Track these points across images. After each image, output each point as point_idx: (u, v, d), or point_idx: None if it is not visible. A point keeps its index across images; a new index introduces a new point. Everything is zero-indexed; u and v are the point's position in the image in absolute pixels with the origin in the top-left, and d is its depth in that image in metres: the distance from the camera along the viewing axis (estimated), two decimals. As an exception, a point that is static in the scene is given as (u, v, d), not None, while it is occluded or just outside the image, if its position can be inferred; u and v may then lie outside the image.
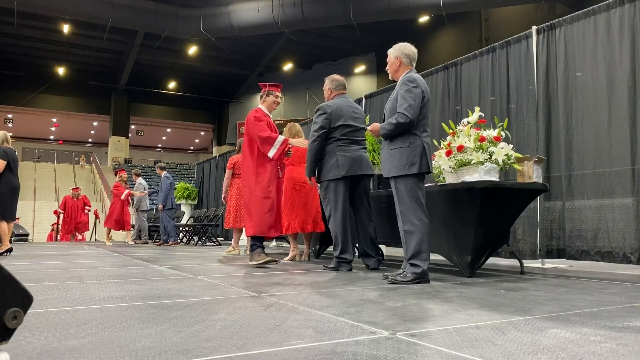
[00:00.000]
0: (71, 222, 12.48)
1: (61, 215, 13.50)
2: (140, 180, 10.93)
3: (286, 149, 4.64)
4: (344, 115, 4.24)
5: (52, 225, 15.77)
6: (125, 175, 11.04)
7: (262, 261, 4.38)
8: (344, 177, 4.13)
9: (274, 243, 9.63)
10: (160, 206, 9.74)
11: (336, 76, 4.57)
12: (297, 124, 5.60)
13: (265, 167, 4.63)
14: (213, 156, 15.83)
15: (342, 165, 4.12)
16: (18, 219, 17.16)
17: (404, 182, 3.32)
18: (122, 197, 10.57)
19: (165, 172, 10.05)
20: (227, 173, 6.63)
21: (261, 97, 4.90)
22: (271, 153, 4.56)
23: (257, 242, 4.54)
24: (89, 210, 12.85)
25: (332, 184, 4.17)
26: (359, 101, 7.64)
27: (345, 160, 4.14)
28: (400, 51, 3.53)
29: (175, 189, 11.56)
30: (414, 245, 3.27)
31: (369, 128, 3.60)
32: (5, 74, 26.53)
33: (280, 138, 4.58)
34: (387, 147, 3.45)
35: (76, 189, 13.22)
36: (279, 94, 4.93)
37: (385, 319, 1.99)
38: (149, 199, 11.29)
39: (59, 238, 15.38)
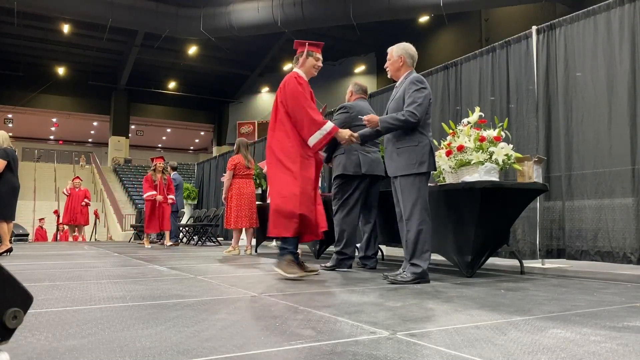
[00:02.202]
0: (73, 211, 12.35)
1: (61, 215, 13.46)
2: None
3: (329, 141, 3.61)
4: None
5: (58, 224, 15.75)
6: (161, 165, 9.05)
7: (297, 275, 3.42)
8: (364, 175, 4.18)
9: (274, 243, 9.63)
10: None
11: (359, 82, 4.78)
12: None
13: (309, 150, 3.62)
14: (213, 156, 15.83)
15: (363, 163, 4.21)
16: (43, 219, 17.19)
17: (412, 181, 3.33)
18: (145, 196, 9.05)
19: (175, 172, 9.92)
20: (228, 174, 6.62)
21: (296, 59, 3.83)
22: (313, 140, 3.53)
23: (289, 246, 3.52)
24: (88, 204, 12.70)
25: (349, 180, 4.20)
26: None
27: (367, 159, 4.23)
28: (405, 51, 3.53)
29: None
30: (415, 245, 3.27)
31: (365, 118, 3.49)
32: (5, 74, 26.52)
33: (329, 125, 3.58)
34: (393, 146, 3.44)
35: (76, 178, 13.08)
36: (320, 56, 3.87)
37: (385, 319, 1.99)
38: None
39: (59, 237, 15.39)
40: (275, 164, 3.60)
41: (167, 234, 9.09)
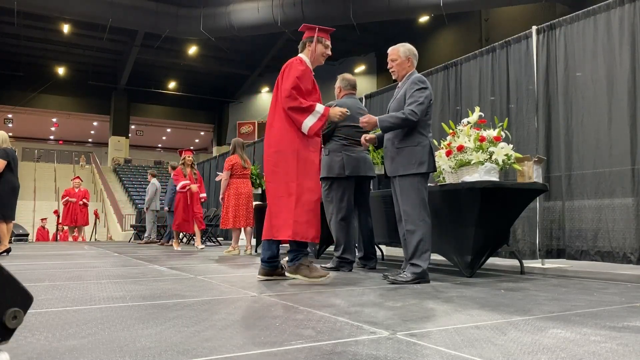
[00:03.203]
0: (73, 213, 12.30)
1: (60, 214, 13.43)
2: (154, 180, 10.82)
3: (326, 122, 3.38)
4: (351, 116, 4.22)
5: (58, 224, 15.72)
6: (190, 158, 8.19)
7: (324, 278, 3.22)
8: (348, 177, 4.14)
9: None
10: (166, 208, 9.63)
11: (348, 75, 4.58)
12: None
13: (316, 144, 3.41)
14: (213, 156, 15.83)
15: (347, 164, 4.14)
16: (45, 219, 17.14)
17: (411, 181, 3.32)
18: (178, 187, 7.99)
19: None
20: (225, 174, 6.61)
21: (303, 44, 3.57)
22: (307, 124, 3.26)
23: (302, 248, 3.32)
24: (86, 205, 12.65)
25: (336, 183, 4.17)
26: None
27: (350, 160, 4.16)
28: (412, 52, 3.53)
29: None
30: (415, 245, 3.26)
31: (363, 119, 3.40)
32: (5, 74, 26.53)
33: (320, 107, 3.34)
34: (392, 146, 3.43)
35: (76, 178, 13.01)
36: (329, 44, 3.61)
37: (385, 319, 1.99)
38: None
39: (59, 238, 15.38)
40: (273, 165, 3.32)
41: (199, 234, 8.10)
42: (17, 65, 26.40)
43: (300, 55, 3.54)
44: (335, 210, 4.17)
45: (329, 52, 3.59)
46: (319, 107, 3.31)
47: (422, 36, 21.22)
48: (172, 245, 9.46)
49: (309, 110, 3.27)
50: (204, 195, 8.39)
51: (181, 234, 10.86)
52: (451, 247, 3.77)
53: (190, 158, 8.21)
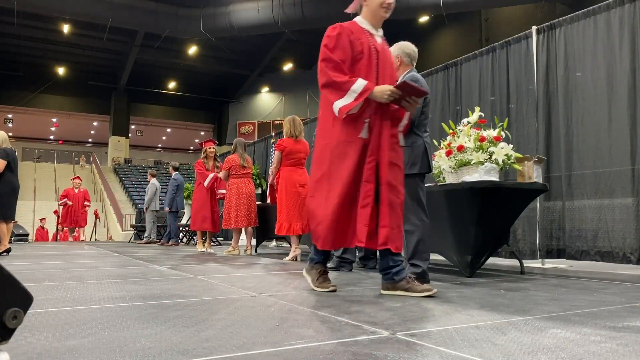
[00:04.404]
0: (73, 214, 12.27)
1: (60, 212, 13.43)
2: (153, 180, 10.81)
3: (361, 101, 2.64)
4: None
5: (58, 224, 15.72)
6: (213, 150, 7.52)
7: (325, 289, 2.83)
8: None
9: (274, 243, 9.63)
10: (167, 209, 9.62)
11: None
12: (297, 118, 5.52)
13: (355, 129, 2.69)
14: (213, 156, 15.78)
15: None
16: (44, 219, 17.10)
17: (405, 181, 3.32)
18: (206, 183, 7.26)
19: (176, 173, 9.81)
20: (223, 174, 6.60)
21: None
22: (339, 104, 2.64)
23: (316, 256, 2.91)
24: (89, 207, 12.63)
25: None
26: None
27: None
28: (402, 50, 3.51)
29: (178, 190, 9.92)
30: (414, 245, 3.26)
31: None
32: (5, 74, 26.55)
33: (360, 83, 2.63)
34: None
35: (76, 178, 12.95)
36: None
37: (385, 319, 1.98)
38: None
39: (59, 238, 15.39)
40: (314, 157, 2.88)
41: (209, 235, 7.56)
42: (17, 65, 26.42)
43: (355, 19, 2.87)
44: None
45: (390, 1, 2.79)
46: (358, 85, 2.63)
47: (422, 36, 21.22)
48: (171, 245, 9.47)
49: (344, 87, 2.64)
50: (222, 191, 7.75)
51: (181, 234, 10.86)
52: (451, 247, 3.77)
53: (213, 149, 7.57)
